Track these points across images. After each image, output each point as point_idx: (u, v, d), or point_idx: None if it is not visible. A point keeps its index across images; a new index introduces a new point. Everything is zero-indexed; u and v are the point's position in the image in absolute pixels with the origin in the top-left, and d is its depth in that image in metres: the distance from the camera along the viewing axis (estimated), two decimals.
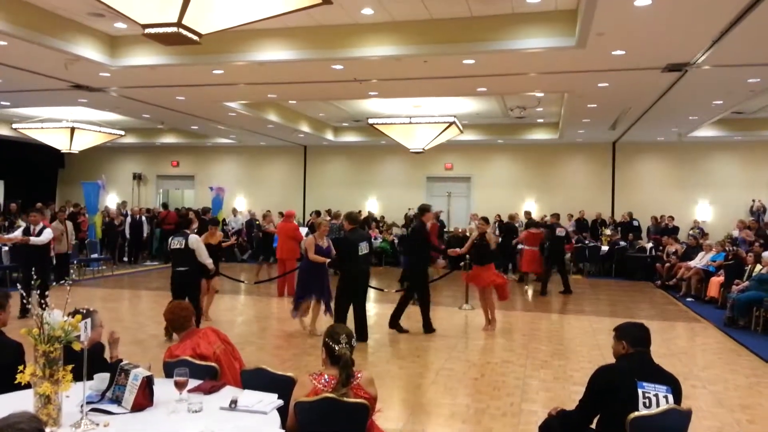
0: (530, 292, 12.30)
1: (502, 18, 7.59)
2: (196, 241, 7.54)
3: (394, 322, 8.31)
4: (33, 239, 8.77)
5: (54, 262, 10.95)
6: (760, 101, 12.02)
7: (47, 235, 8.92)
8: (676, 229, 15.91)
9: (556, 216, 13.03)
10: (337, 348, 3.13)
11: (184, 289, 7.35)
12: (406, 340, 7.87)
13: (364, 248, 7.61)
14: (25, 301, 3.06)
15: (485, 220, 9.25)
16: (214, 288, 8.77)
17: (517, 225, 15.68)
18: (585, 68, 8.62)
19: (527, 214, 16.16)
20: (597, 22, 6.47)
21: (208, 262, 7.72)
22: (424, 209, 8.56)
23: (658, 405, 2.95)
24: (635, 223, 16.65)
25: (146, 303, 10.55)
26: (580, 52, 7.56)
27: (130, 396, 2.96)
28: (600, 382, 3.12)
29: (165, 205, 17.94)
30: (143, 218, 16.63)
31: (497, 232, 15.65)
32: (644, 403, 2.95)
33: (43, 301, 2.74)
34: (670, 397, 2.99)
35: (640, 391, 2.97)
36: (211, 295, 8.83)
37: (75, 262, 13.00)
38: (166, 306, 4.17)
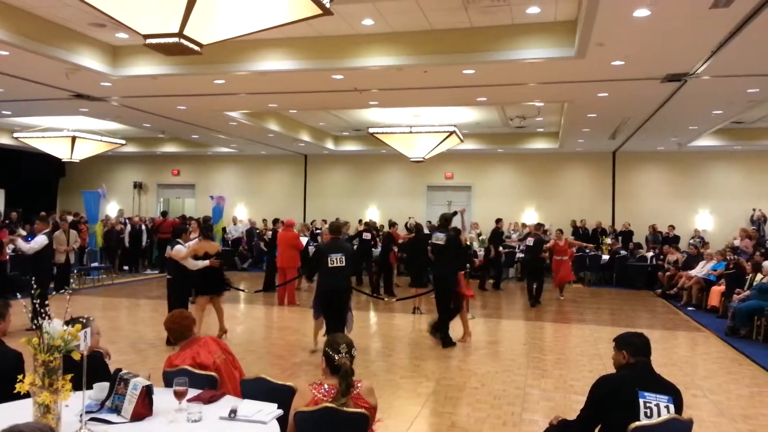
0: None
1: (502, 28, 7.63)
2: (174, 250, 7.72)
3: (447, 341, 7.89)
4: (20, 244, 8.82)
5: (55, 271, 10.93)
6: (759, 111, 12.05)
7: (33, 244, 8.84)
8: (676, 239, 15.91)
9: (538, 226, 13.26)
10: (336, 357, 3.13)
11: (170, 295, 8.01)
12: (407, 349, 7.84)
13: (336, 260, 6.89)
14: (25, 310, 3.05)
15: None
16: (219, 305, 8.15)
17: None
18: (585, 78, 8.65)
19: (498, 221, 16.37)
20: (596, 33, 6.50)
21: (191, 264, 7.65)
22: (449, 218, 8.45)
23: (659, 415, 2.94)
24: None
25: (146, 312, 10.53)
26: (579, 62, 7.60)
27: (129, 405, 2.96)
28: (601, 391, 3.11)
29: (164, 213, 17.93)
30: (142, 227, 16.63)
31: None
32: (645, 413, 2.94)
33: (42, 311, 2.73)
34: (671, 407, 2.98)
35: (641, 401, 2.96)
36: (214, 311, 8.21)
37: (75, 270, 12.99)
38: (167, 315, 4.17)
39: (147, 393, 2.99)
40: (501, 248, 14.18)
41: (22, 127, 15.26)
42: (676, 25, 6.30)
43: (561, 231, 13.12)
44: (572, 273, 13.16)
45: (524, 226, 16.60)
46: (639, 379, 3.07)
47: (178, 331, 3.94)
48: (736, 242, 14.81)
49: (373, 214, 19.32)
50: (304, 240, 11.94)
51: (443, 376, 6.56)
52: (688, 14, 5.97)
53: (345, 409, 2.94)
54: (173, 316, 4.04)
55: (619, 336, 3.33)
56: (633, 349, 3.20)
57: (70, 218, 15.01)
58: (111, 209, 19.82)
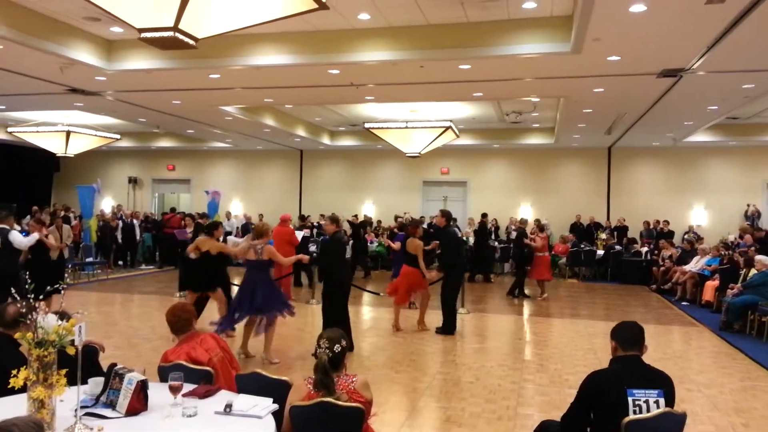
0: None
1: (498, 23, 7.62)
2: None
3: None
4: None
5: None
6: (754, 107, 12.07)
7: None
8: (671, 234, 15.97)
9: (522, 220, 13.66)
10: (318, 352, 3.15)
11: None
12: (402, 344, 7.86)
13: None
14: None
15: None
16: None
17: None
18: (580, 74, 8.65)
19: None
20: (592, 28, 6.50)
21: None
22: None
23: (648, 411, 2.91)
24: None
25: (141, 307, 10.51)
26: (575, 57, 7.59)
27: (124, 400, 2.95)
28: (589, 388, 3.08)
29: (173, 210, 17.84)
30: (134, 222, 16.52)
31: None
32: (634, 411, 2.90)
33: (37, 305, 2.72)
34: (661, 401, 2.95)
35: (629, 399, 2.92)
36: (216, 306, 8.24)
37: (70, 266, 12.94)
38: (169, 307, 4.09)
39: (142, 388, 2.98)
40: (496, 242, 14.21)
41: (16, 121, 15.18)
42: (672, 20, 6.30)
43: (538, 227, 13.21)
44: (548, 272, 12.25)
45: (512, 220, 16.73)
46: (627, 376, 3.01)
47: (176, 324, 3.87)
48: (731, 237, 14.85)
49: (369, 209, 19.33)
50: (299, 234, 11.91)
51: (439, 371, 6.58)
52: (683, 10, 5.97)
53: (340, 403, 2.94)
54: (174, 308, 3.94)
55: (614, 326, 3.26)
56: (624, 340, 3.14)
57: (62, 213, 14.96)
58: (105, 204, 19.75)
